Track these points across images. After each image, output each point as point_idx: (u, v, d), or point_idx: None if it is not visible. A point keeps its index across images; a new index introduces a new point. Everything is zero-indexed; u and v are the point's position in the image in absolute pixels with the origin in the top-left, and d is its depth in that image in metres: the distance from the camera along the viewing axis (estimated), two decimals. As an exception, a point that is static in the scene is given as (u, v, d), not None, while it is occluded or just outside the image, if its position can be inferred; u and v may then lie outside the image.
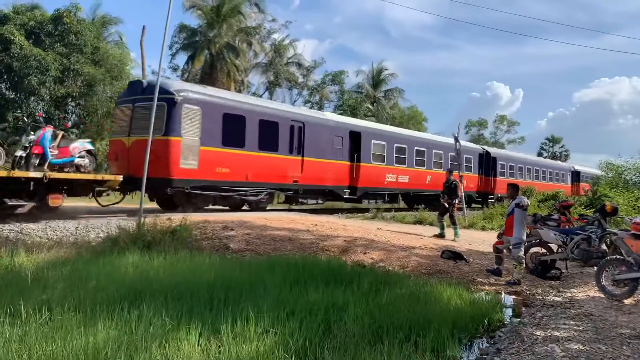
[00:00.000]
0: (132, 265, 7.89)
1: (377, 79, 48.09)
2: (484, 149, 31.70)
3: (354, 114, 40.03)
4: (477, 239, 13.40)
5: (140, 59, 37.14)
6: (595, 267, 8.52)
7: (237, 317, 5.13)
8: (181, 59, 38.64)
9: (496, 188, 30.24)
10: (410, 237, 12.33)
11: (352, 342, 4.82)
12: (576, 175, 42.80)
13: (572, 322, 6.49)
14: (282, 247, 10.17)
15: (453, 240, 12.93)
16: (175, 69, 38.94)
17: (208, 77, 34.94)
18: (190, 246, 10.05)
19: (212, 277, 6.96)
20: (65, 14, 26.07)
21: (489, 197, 30.05)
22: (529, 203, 9.28)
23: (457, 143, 22.26)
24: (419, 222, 18.07)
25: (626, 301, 7.58)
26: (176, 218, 11.22)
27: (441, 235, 13.46)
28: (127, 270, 7.50)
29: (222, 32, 36.40)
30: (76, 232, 10.66)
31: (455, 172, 19.42)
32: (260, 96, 39.72)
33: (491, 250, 10.62)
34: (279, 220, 13.25)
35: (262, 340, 4.66)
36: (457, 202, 14.21)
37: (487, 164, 30.43)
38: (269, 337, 4.75)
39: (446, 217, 14.05)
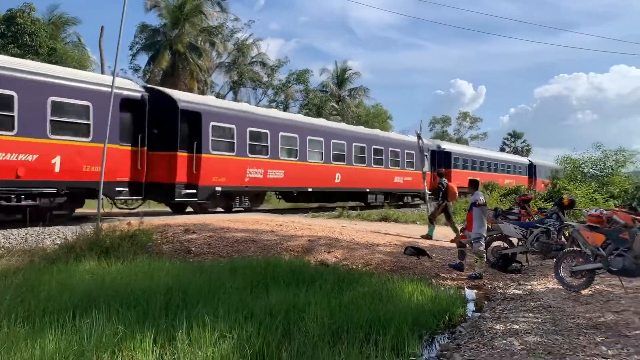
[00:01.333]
0: (88, 272, 7.65)
1: (341, 78, 48.25)
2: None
3: (319, 113, 40.03)
4: (440, 235, 13.51)
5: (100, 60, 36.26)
6: (554, 259, 8.67)
7: (193, 322, 5.00)
8: (143, 59, 37.95)
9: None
10: (375, 235, 12.34)
11: (311, 344, 4.75)
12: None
13: (531, 315, 6.57)
14: (244, 249, 10.03)
15: (425, 238, 12.89)
16: (136, 70, 38.21)
17: (170, 77, 34.36)
18: (150, 251, 9.82)
19: (170, 281, 6.79)
20: (18, 14, 25.28)
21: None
22: (485, 201, 9.37)
23: (420, 140, 22.43)
24: (384, 219, 18.15)
25: (583, 292, 7.73)
26: (135, 222, 10.95)
27: (428, 237, 13.07)
28: (82, 277, 7.26)
29: (184, 31, 35.88)
30: (30, 239, 10.29)
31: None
32: (224, 96, 39.31)
33: (454, 245, 10.72)
34: (243, 221, 13.09)
35: (218, 345, 4.54)
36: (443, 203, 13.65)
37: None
38: (226, 342, 4.64)
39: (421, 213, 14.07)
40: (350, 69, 49.13)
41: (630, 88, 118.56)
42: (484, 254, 9.37)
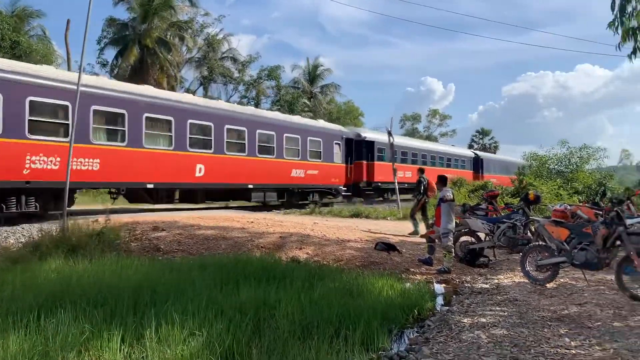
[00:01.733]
0: (54, 271, 7.49)
1: (313, 75, 48.29)
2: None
3: (291, 110, 39.95)
4: (410, 230, 13.64)
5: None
6: (520, 254, 8.87)
7: (162, 320, 4.94)
8: (110, 54, 37.24)
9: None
10: (346, 231, 12.40)
11: (281, 340, 4.75)
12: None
13: (497, 308, 6.71)
14: (215, 246, 9.96)
15: (411, 234, 12.89)
16: (104, 65, 37.49)
17: (139, 72, 33.81)
18: (118, 249, 9.66)
19: (138, 279, 6.70)
20: (-22, 6, 24.49)
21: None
22: (452, 197, 9.51)
23: (390, 137, 22.63)
24: (356, 215, 18.25)
25: (548, 285, 7.92)
26: (102, 220, 10.75)
27: (415, 233, 12.98)
28: (48, 277, 7.11)
29: (153, 26, 35.33)
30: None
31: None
32: (194, 92, 38.87)
33: (424, 240, 10.85)
34: (214, 218, 12.99)
35: (188, 343, 4.51)
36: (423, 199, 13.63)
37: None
38: (195, 339, 4.60)
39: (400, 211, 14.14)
40: (322, 66, 49.22)
41: (594, 86, 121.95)
42: (452, 249, 9.51)
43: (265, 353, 4.41)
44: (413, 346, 5.28)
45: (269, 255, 9.30)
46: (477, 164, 40.67)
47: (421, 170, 14.07)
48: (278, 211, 19.58)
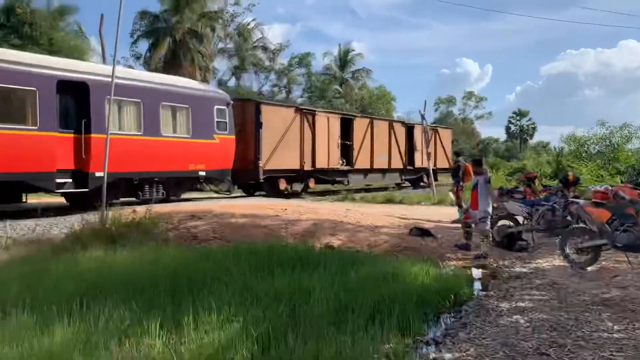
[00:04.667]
0: (95, 261, 7.69)
1: (344, 60, 48.01)
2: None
3: (322, 96, 39.91)
4: (445, 215, 13.50)
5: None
6: (559, 237, 8.66)
7: (199, 307, 5.03)
8: (143, 46, 37.79)
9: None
10: (379, 217, 12.35)
11: (316, 326, 4.77)
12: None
13: (536, 292, 6.58)
14: (249, 234, 10.06)
15: (455, 222, 12.56)
16: (138, 57, 38.07)
17: (171, 63, 34.25)
18: (156, 238, 9.85)
19: (175, 267, 6.83)
20: (17, 5, 25.15)
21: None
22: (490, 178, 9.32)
23: (424, 121, 22.35)
24: (389, 201, 18.16)
25: (589, 269, 7.72)
26: (142, 210, 10.98)
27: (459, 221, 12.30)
28: (89, 266, 7.30)
29: (185, 17, 35.65)
30: (37, 229, 10.36)
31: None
32: (227, 82, 39.21)
33: (459, 225, 10.71)
34: (248, 206, 13.12)
35: (225, 329, 4.57)
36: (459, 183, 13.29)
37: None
38: (232, 325, 4.67)
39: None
40: (353, 50, 48.86)
41: (637, 63, 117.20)
42: (490, 234, 9.36)
43: (300, 338, 4.43)
44: (450, 331, 5.24)
45: (302, 242, 9.34)
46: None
47: (457, 154, 13.83)
48: (311, 198, 19.63)
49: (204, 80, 35.97)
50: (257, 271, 6.78)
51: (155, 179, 14.83)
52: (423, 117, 22.28)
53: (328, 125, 21.79)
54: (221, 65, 44.71)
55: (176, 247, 8.86)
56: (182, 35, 35.01)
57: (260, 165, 18.59)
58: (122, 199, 14.01)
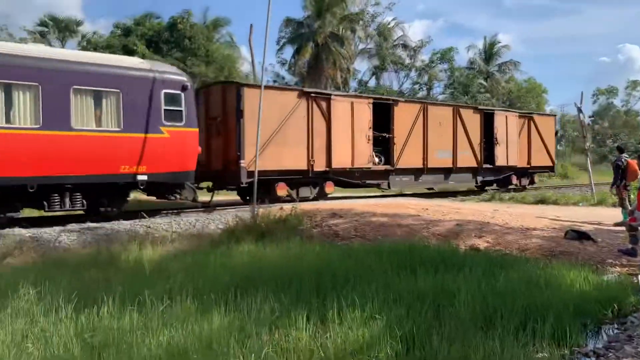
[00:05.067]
0: (247, 255, 8.23)
1: (489, 53, 45.95)
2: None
3: (465, 92, 38.58)
4: (606, 217, 12.28)
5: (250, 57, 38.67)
6: None
7: (342, 303, 5.14)
8: (289, 52, 39.61)
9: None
10: (529, 218, 11.60)
11: (462, 328, 4.61)
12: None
13: None
14: (390, 233, 10.06)
15: (617, 224, 11.41)
16: (283, 64, 40.01)
17: (314, 67, 35.47)
18: (301, 234, 10.28)
19: (319, 264, 7.05)
20: (179, 21, 27.83)
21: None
22: None
23: (581, 114, 20.53)
24: (541, 201, 16.99)
25: None
26: (288, 207, 11.53)
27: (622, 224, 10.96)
28: (242, 259, 7.84)
29: (326, 21, 36.73)
30: (197, 224, 11.35)
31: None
32: (367, 82, 39.59)
33: (624, 229, 9.68)
34: (389, 205, 13.14)
35: (368, 326, 4.62)
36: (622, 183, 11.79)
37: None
38: (375, 323, 4.70)
39: None
40: (499, 42, 46.57)
41: None
42: (661, 238, 8.32)
43: (445, 340, 4.32)
44: (613, 344, 4.75)
45: (445, 243, 9.11)
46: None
47: (620, 150, 12.45)
48: (454, 198, 19.05)
49: (344, 82, 36.73)
50: (399, 270, 6.75)
51: (67, 186, 11.49)
52: (580, 110, 20.47)
53: (352, 113, 16.76)
54: (361, 66, 45.34)
55: (319, 244, 9.15)
56: (323, 39, 36.09)
57: (243, 165, 14.18)
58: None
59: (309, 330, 4.64)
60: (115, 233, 10.25)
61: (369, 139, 17.09)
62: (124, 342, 4.36)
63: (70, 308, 5.05)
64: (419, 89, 41.66)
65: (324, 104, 16.17)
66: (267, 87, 14.82)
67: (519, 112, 23.28)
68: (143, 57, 25.85)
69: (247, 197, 14.69)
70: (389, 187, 18.30)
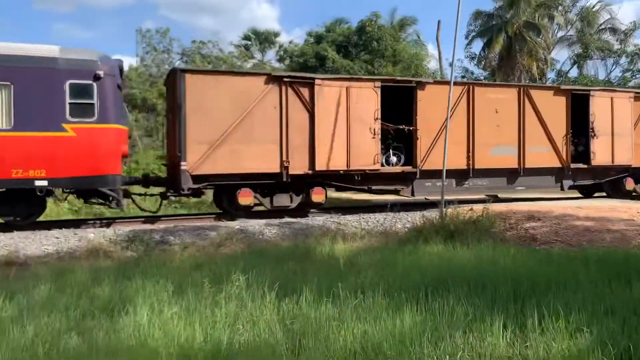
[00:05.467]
0: (435, 255, 8.11)
1: None
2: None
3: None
4: None
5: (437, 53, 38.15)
6: None
7: (544, 311, 4.76)
8: (477, 46, 38.06)
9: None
10: None
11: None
12: None
13: None
14: (597, 238, 9.08)
15: None
16: (472, 58, 38.53)
17: (506, 59, 33.57)
18: (493, 237, 9.81)
19: (515, 268, 6.64)
20: (367, 24, 28.54)
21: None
22: None
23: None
24: None
25: None
26: (478, 208, 11.10)
27: None
28: (431, 259, 7.74)
29: (520, 10, 34.47)
30: (385, 223, 11.55)
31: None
32: (567, 72, 36.22)
33: None
34: (595, 208, 11.89)
35: (574, 339, 4.21)
36: None
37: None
38: (583, 336, 4.26)
39: None
40: None
41: None
42: None
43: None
44: None
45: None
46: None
47: None
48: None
49: (541, 74, 34.12)
50: (610, 280, 6.04)
51: None
52: None
53: (347, 101, 13.13)
54: (560, 55, 41.59)
55: (515, 248, 8.63)
56: (517, 30, 33.92)
57: (184, 167, 11.78)
58: None
59: (505, 338, 4.40)
60: (310, 228, 10.96)
61: (374, 134, 13.38)
62: (321, 332, 4.60)
63: (273, 295, 5.51)
64: (632, 77, 36.75)
65: (305, 92, 12.81)
66: (220, 72, 13.73)
67: (634, 92, 16.80)
68: (333, 62, 27.24)
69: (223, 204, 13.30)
70: (412, 194, 14.25)
